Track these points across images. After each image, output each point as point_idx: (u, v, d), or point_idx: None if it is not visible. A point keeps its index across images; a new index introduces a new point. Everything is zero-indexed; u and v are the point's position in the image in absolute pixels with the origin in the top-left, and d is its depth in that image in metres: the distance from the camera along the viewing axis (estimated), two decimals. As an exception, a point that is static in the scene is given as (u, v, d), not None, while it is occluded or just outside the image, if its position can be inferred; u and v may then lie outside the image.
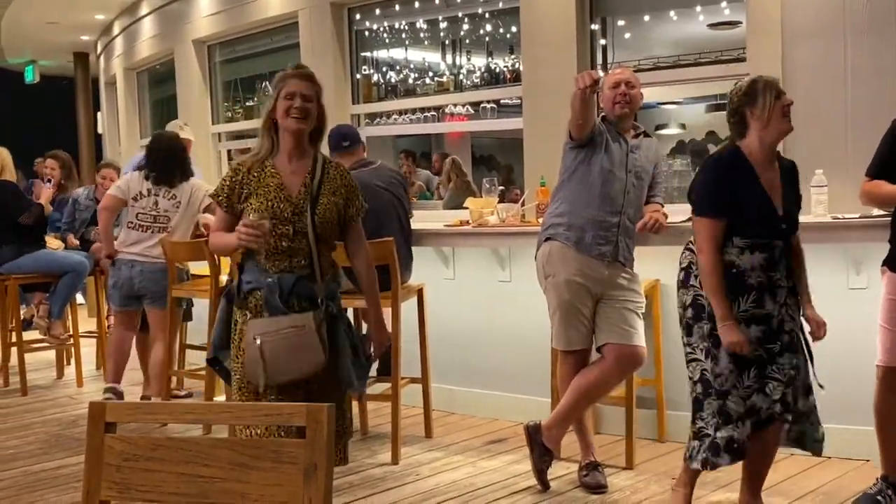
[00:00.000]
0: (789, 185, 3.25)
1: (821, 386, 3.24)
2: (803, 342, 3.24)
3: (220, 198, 3.05)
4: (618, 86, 3.74)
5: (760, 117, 3.13)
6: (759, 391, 3.14)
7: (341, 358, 3.05)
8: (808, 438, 3.26)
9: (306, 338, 2.91)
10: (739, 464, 3.36)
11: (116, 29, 10.24)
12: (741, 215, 3.13)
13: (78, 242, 6.37)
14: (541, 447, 3.84)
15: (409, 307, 4.44)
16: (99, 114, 12.20)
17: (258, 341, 2.90)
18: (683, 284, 3.26)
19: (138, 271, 5.02)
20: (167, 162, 5.07)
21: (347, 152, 4.50)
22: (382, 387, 4.53)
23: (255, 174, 3.02)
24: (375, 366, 4.60)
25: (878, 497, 3.38)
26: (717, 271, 3.11)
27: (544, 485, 3.81)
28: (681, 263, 3.30)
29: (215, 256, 4.66)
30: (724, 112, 3.39)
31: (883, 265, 3.41)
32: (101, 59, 11.41)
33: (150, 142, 5.29)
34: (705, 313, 3.17)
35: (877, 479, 3.43)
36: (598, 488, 3.75)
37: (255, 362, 2.92)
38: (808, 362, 3.25)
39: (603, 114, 3.82)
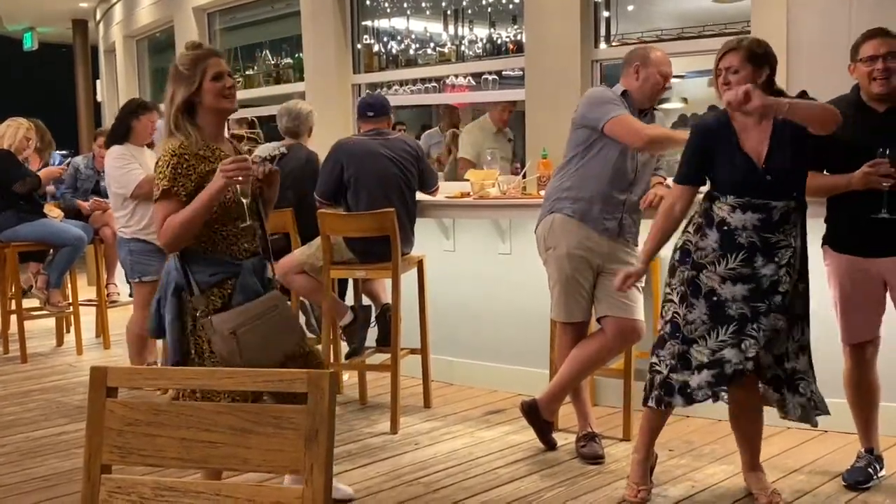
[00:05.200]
0: (788, 140, 3.11)
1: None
2: (801, 306, 3.20)
3: (176, 188, 2.76)
4: (667, 79, 3.69)
5: (715, 84, 3.15)
6: (734, 346, 3.13)
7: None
8: (789, 404, 3.24)
9: (284, 314, 2.86)
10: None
11: (115, -4, 10.15)
12: (721, 178, 3.14)
13: (87, 206, 6.35)
14: (542, 422, 3.89)
15: (408, 278, 4.44)
16: (98, 82, 12.12)
17: (234, 336, 2.74)
18: (683, 229, 3.29)
19: None
20: None
21: (371, 121, 4.51)
22: (382, 357, 4.55)
23: (208, 161, 2.80)
24: (375, 336, 4.65)
25: (869, 469, 3.43)
26: (664, 227, 3.22)
27: (550, 445, 3.93)
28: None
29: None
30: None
31: (823, 244, 3.45)
32: (101, 26, 11.32)
33: None
34: (689, 258, 3.19)
35: (861, 452, 3.47)
36: (596, 459, 3.78)
37: (234, 356, 2.74)
38: (803, 328, 3.22)
39: (624, 88, 3.73)
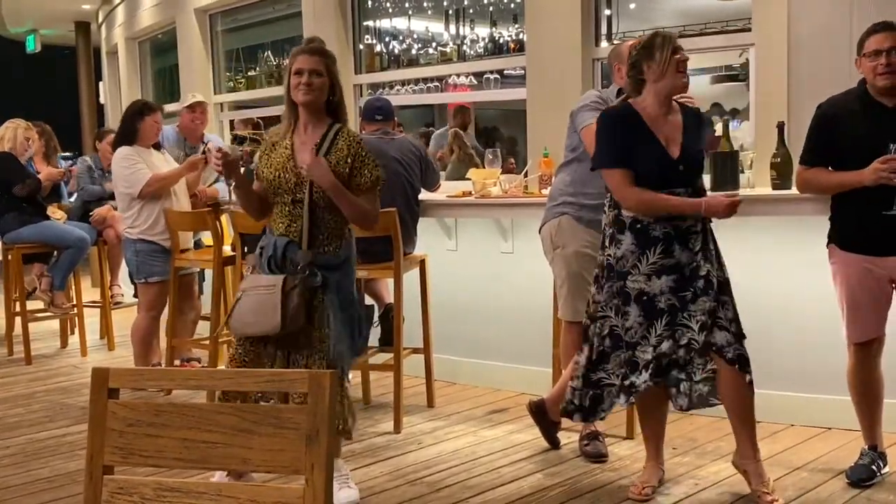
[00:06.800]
0: (692, 132, 3.26)
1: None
2: (717, 283, 3.20)
3: (258, 169, 3.29)
4: None
5: (656, 71, 3.17)
6: (670, 338, 3.19)
7: (323, 330, 3.15)
8: (682, 393, 3.25)
9: (270, 298, 3.08)
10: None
11: (118, -2, 10.16)
12: (637, 168, 3.18)
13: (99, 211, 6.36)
14: (548, 422, 3.89)
15: (411, 278, 4.45)
16: (101, 83, 12.14)
17: (239, 295, 3.17)
18: (601, 245, 3.33)
19: None
20: None
21: (378, 123, 4.56)
22: (385, 357, 4.55)
23: (275, 147, 3.25)
24: (378, 336, 4.65)
25: (872, 466, 3.42)
26: (651, 197, 3.17)
27: (554, 444, 3.93)
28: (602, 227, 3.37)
29: (219, 227, 4.66)
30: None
31: (829, 243, 3.44)
32: (103, 28, 11.33)
33: None
34: (614, 272, 3.25)
35: (864, 450, 3.46)
36: (599, 457, 3.78)
37: (231, 314, 3.20)
38: (724, 305, 3.21)
39: (618, 87, 3.75)
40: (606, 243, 3.29)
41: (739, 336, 3.22)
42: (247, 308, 3.11)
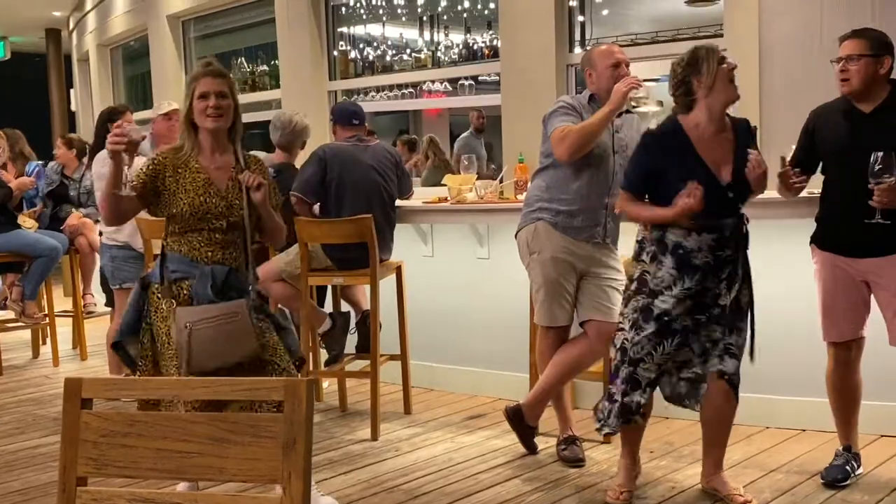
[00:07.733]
0: (744, 149, 3.19)
1: (752, 357, 3.29)
2: (743, 313, 3.24)
3: (136, 183, 3.03)
4: (619, 66, 3.66)
5: (707, 84, 3.09)
6: (673, 359, 3.23)
7: (289, 335, 3.19)
8: (688, 397, 3.32)
9: (240, 325, 2.98)
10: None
11: (89, 4, 10.07)
12: (676, 194, 3.08)
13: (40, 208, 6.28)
14: (525, 427, 3.89)
15: (387, 285, 4.43)
16: (72, 91, 12.03)
17: (188, 329, 2.94)
18: (635, 257, 3.31)
19: None
20: None
21: (354, 128, 4.53)
22: (361, 364, 4.54)
23: (181, 171, 3.05)
24: (354, 343, 4.64)
25: (846, 467, 3.45)
26: (641, 212, 3.22)
27: (531, 449, 3.93)
28: (636, 237, 3.35)
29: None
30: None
31: (811, 243, 3.48)
32: (74, 35, 11.23)
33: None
34: (646, 288, 3.22)
35: (839, 451, 3.49)
36: (577, 462, 3.78)
37: (182, 349, 2.95)
38: (739, 332, 3.25)
39: (591, 93, 3.75)
40: (645, 258, 3.24)
41: (740, 364, 3.25)
42: (208, 340, 2.93)
